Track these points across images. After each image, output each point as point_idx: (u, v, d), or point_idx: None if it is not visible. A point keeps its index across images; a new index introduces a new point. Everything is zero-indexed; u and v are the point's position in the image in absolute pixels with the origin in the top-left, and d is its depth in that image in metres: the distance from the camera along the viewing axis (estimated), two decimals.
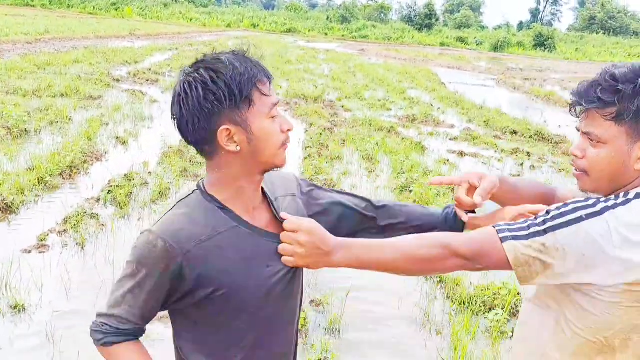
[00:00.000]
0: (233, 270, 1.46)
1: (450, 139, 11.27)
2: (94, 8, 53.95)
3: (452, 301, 4.60)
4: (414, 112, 13.74)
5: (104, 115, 10.26)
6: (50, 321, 3.90)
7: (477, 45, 58.03)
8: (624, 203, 1.42)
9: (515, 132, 12.30)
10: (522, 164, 9.60)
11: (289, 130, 1.49)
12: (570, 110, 1.55)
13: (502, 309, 4.36)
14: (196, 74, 1.40)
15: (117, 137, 8.85)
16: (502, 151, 10.35)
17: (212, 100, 1.38)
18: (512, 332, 4.14)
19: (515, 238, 1.42)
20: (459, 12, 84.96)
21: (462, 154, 9.93)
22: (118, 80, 14.99)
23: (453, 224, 1.75)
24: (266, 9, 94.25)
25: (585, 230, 1.37)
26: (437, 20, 71.54)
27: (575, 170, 1.55)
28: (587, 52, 54.82)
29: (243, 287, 1.47)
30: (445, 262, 1.47)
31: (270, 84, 1.46)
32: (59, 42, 23.49)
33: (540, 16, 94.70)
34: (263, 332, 1.54)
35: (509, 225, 1.47)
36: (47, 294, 4.29)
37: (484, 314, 4.38)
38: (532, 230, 1.42)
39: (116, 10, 54.63)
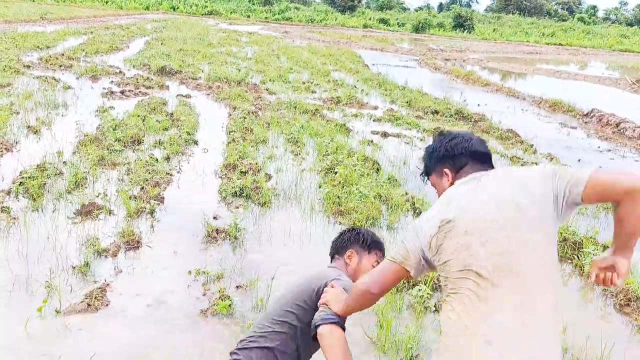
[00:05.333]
0: None
1: (374, 120, 11.38)
2: None
3: None
4: (338, 94, 13.79)
5: (14, 103, 9.70)
6: None
7: (399, 26, 58.88)
8: None
9: (436, 112, 12.58)
10: None
11: None
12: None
13: (425, 284, 4.44)
14: None
15: (29, 126, 8.38)
16: (424, 131, 10.55)
17: None
18: (435, 306, 4.23)
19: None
20: None
21: (385, 134, 10.04)
22: (29, 67, 14.22)
23: None
24: None
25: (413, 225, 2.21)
26: (359, 2, 72.00)
27: None
28: (503, 32, 56.72)
29: None
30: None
31: None
32: None
33: None
34: None
35: None
36: None
37: (407, 290, 4.45)
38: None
39: None
